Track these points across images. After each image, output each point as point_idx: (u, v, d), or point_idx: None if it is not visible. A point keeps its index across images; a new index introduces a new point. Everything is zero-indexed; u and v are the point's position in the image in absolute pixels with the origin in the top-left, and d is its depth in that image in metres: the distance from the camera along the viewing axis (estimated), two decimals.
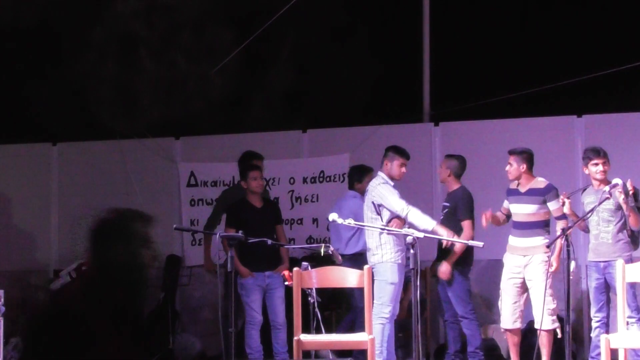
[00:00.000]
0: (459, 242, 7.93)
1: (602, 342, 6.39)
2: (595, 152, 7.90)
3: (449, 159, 8.75)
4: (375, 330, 7.50)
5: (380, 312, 7.76)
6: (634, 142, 9.55)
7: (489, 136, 9.91)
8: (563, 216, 7.96)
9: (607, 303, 7.91)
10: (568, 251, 6.59)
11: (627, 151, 9.51)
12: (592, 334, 7.91)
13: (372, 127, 10.40)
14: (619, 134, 9.67)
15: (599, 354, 7.11)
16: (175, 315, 10.23)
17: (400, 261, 7.91)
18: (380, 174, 8.15)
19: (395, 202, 7.91)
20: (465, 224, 8.42)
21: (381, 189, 8.02)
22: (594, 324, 7.89)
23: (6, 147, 11.08)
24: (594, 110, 9.90)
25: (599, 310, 7.85)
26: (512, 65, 10.98)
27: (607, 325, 7.86)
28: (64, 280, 9.96)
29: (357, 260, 8.50)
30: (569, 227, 6.92)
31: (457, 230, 8.17)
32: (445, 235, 7.71)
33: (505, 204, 8.22)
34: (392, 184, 8.07)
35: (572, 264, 6.89)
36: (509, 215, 8.22)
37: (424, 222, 7.75)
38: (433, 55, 10.65)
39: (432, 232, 7.66)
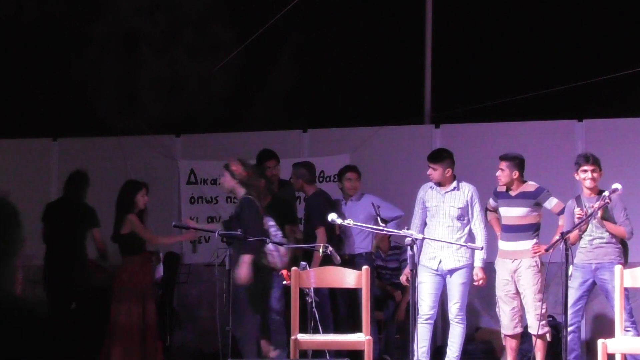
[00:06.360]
0: (458, 245, 7.94)
1: (599, 347, 6.38)
2: (584, 159, 7.74)
3: (296, 168, 8.94)
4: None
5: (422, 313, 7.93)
6: (635, 147, 9.54)
7: (489, 139, 9.90)
8: (563, 210, 7.89)
9: (584, 309, 7.85)
10: (566, 255, 6.57)
11: (627, 156, 9.50)
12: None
13: (372, 128, 10.40)
14: (620, 138, 9.66)
15: (576, 356, 7.26)
16: (173, 313, 10.22)
17: (424, 263, 8.00)
18: None
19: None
20: (319, 232, 8.54)
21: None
22: (568, 329, 7.67)
23: (6, 142, 11.07)
24: (594, 114, 9.91)
25: (575, 315, 7.63)
26: (514, 69, 11.00)
27: (579, 330, 7.81)
28: None
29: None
30: (568, 231, 6.90)
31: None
32: None
33: (491, 201, 8.22)
34: (430, 187, 8.17)
35: (570, 268, 6.87)
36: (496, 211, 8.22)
37: None
38: (435, 57, 10.64)
39: None
